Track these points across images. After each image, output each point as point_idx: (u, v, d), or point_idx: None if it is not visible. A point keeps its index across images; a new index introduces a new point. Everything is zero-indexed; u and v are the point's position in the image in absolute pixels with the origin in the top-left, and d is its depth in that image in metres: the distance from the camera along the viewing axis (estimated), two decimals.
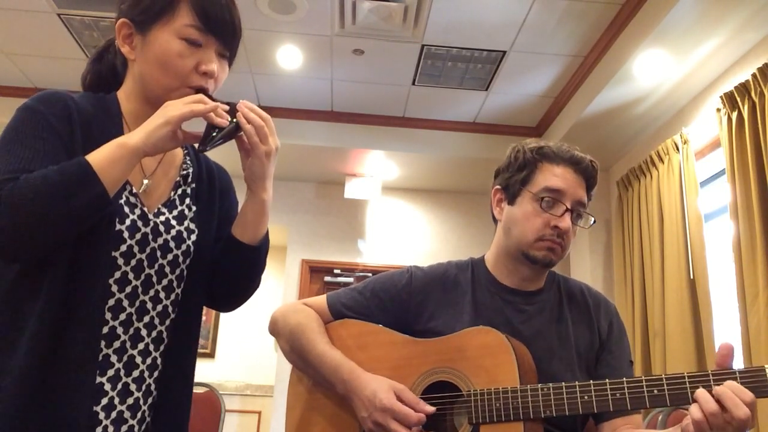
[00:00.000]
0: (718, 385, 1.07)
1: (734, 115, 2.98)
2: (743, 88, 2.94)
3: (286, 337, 1.44)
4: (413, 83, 4.17)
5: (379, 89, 4.29)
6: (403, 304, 1.43)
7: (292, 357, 1.44)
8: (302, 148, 4.63)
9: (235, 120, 1.07)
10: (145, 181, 1.13)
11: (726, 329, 3.18)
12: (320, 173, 5.10)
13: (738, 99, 2.97)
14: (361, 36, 3.66)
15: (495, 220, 1.47)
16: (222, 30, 1.13)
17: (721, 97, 3.09)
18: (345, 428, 1.34)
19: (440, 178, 5.08)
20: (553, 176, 1.36)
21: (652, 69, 3.34)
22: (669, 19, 2.91)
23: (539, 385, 1.21)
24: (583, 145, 1.53)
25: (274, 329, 1.48)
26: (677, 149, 3.53)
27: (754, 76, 2.87)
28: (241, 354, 5.94)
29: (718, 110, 3.14)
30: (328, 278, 5.11)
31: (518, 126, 4.65)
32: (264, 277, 1.27)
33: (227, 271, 1.20)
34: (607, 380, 1.17)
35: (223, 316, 6.05)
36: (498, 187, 1.45)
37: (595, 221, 1.42)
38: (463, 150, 4.68)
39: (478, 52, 3.77)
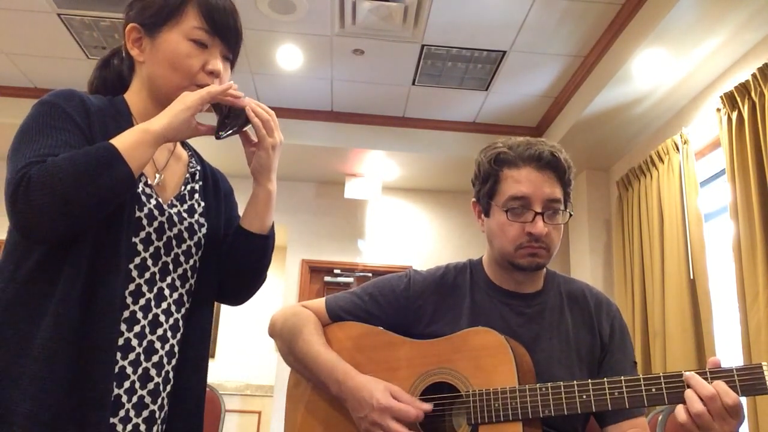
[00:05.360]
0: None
1: (734, 115, 2.98)
2: (743, 88, 2.94)
3: (284, 338, 1.45)
4: (413, 83, 4.17)
5: (379, 89, 4.28)
6: (402, 308, 1.43)
7: (289, 359, 1.45)
8: (302, 148, 4.63)
9: (245, 114, 1.16)
10: (158, 175, 1.19)
11: (726, 329, 3.18)
12: (320, 173, 5.10)
13: (738, 99, 2.96)
14: (361, 36, 3.66)
15: None
16: (226, 32, 1.20)
17: (721, 97, 3.09)
18: (343, 430, 1.34)
19: (440, 178, 5.07)
20: (515, 183, 1.32)
21: (652, 69, 3.33)
22: (669, 19, 2.91)
23: (538, 384, 1.21)
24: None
25: (273, 331, 1.49)
26: (677, 149, 3.52)
27: (754, 76, 2.87)
28: (241, 354, 5.93)
29: (718, 110, 3.14)
30: (328, 278, 5.11)
31: (518, 126, 4.64)
32: None
33: (238, 262, 1.25)
34: (605, 379, 1.17)
35: (223, 316, 6.04)
36: (474, 200, 1.45)
37: (572, 215, 1.38)
38: (463, 150, 4.67)
39: (478, 52, 3.77)
